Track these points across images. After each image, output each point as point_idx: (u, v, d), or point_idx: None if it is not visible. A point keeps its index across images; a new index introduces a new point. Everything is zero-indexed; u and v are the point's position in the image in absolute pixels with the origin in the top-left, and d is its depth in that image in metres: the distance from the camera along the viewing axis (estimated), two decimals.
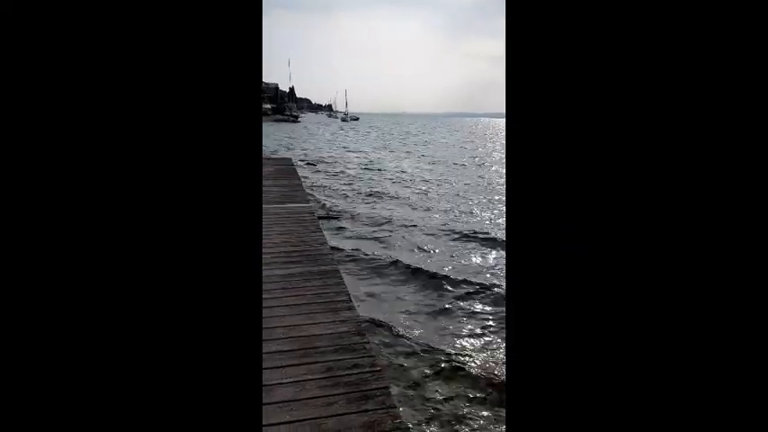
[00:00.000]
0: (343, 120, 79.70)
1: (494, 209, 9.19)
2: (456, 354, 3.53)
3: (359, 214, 8.25)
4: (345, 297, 3.18)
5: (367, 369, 2.28)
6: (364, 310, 4.03)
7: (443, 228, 7.45)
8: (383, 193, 10.61)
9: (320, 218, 6.10)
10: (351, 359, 2.37)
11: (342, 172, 14.24)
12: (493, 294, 4.69)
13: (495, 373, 3.28)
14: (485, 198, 10.48)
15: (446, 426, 2.69)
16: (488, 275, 5.33)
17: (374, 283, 4.98)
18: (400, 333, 3.80)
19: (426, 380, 3.16)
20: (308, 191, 7.92)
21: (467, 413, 2.81)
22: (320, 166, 15.40)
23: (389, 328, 3.87)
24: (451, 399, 2.95)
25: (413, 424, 2.64)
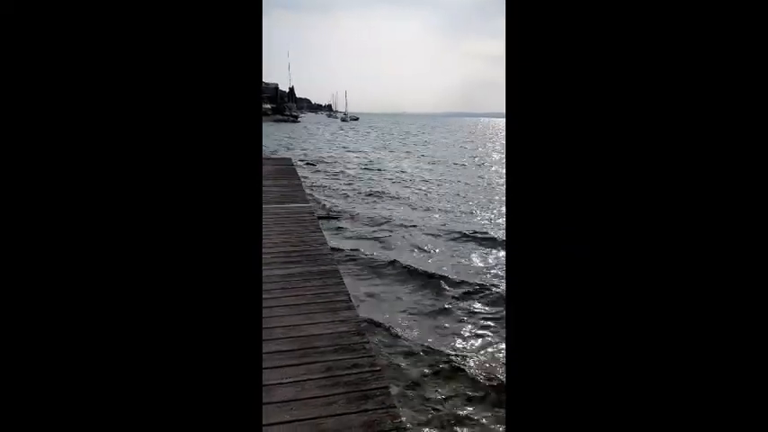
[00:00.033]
0: (343, 120, 79.68)
1: (494, 209, 9.19)
2: (455, 354, 3.53)
3: (358, 214, 8.25)
4: (345, 297, 3.18)
5: (366, 369, 2.28)
6: (364, 311, 4.03)
7: (443, 228, 7.45)
8: (383, 194, 10.61)
9: (320, 218, 6.10)
10: (350, 359, 2.37)
11: (341, 172, 14.24)
12: (492, 294, 4.69)
13: (495, 373, 3.28)
14: (484, 198, 10.49)
15: (446, 426, 2.69)
16: (488, 275, 5.33)
17: (374, 283, 4.98)
18: (399, 333, 3.80)
19: (426, 380, 3.16)
20: (307, 191, 7.93)
21: (466, 413, 2.81)
22: (320, 166, 15.40)
23: (389, 329, 3.87)
24: (451, 399, 2.95)
25: (412, 425, 2.64)
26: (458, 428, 2.68)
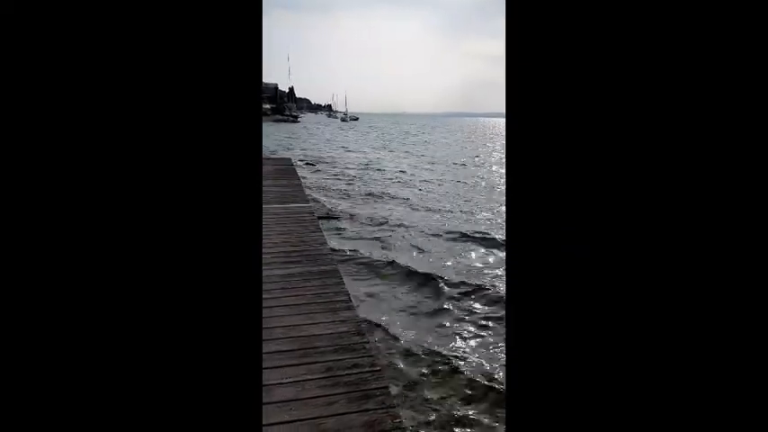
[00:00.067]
0: (343, 120, 79.69)
1: (493, 209, 9.19)
2: (454, 354, 3.53)
3: (358, 214, 8.25)
4: (345, 297, 3.18)
5: (367, 369, 2.28)
6: (363, 311, 4.03)
7: (443, 228, 7.45)
8: (382, 194, 10.61)
9: (320, 218, 6.10)
10: (350, 359, 2.37)
11: (341, 172, 14.24)
12: (492, 295, 4.69)
13: (494, 373, 3.28)
14: (484, 198, 10.49)
15: (446, 427, 2.69)
16: (487, 276, 5.34)
17: (373, 283, 4.98)
18: (399, 334, 3.80)
19: (425, 381, 3.16)
20: (307, 191, 7.93)
21: (466, 414, 2.81)
22: (320, 166, 15.41)
23: (388, 329, 3.87)
24: (451, 400, 2.95)
25: (412, 426, 2.64)
26: (457, 429, 2.68)
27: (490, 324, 4.08)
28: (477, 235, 7.01)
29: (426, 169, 15.99)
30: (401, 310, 4.30)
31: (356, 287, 4.68)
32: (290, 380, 2.16)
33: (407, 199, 10.07)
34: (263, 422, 1.80)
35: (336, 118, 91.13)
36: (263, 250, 3.76)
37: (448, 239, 6.88)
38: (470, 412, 2.82)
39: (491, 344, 3.74)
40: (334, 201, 9.50)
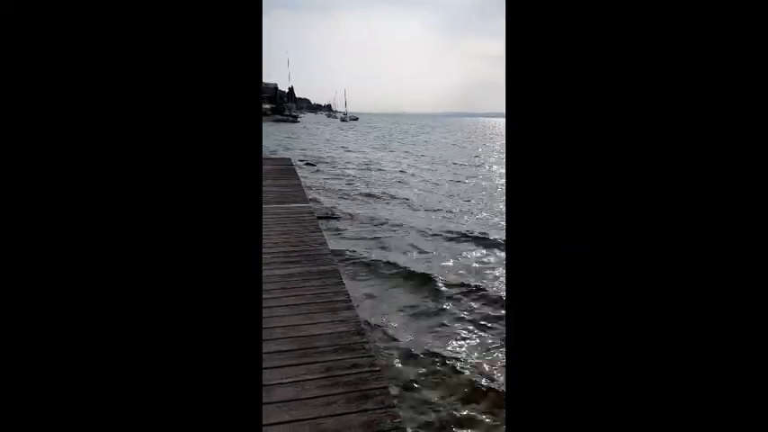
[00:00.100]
0: (343, 120, 79.69)
1: (493, 209, 9.19)
2: (453, 355, 3.53)
3: (357, 215, 8.25)
4: (344, 297, 3.18)
5: (366, 369, 2.28)
6: (361, 312, 4.03)
7: (443, 228, 7.46)
8: (382, 194, 10.61)
9: (319, 218, 6.10)
10: (350, 359, 2.37)
11: (341, 172, 14.24)
12: (492, 295, 4.69)
13: (494, 374, 3.28)
14: (484, 198, 10.49)
15: (446, 428, 2.69)
16: (487, 276, 5.34)
17: (372, 284, 4.98)
18: (397, 335, 3.80)
19: (424, 381, 3.16)
20: (307, 191, 7.93)
21: (465, 415, 2.81)
22: (319, 166, 15.40)
23: (387, 330, 3.87)
24: (450, 401, 2.95)
25: (411, 427, 2.64)
26: (456, 430, 2.68)
27: (490, 324, 4.08)
28: (477, 235, 7.01)
29: (426, 169, 16.00)
30: (400, 311, 4.30)
31: (355, 288, 4.68)
32: (290, 380, 2.16)
33: (407, 199, 10.07)
34: (263, 422, 1.80)
35: (336, 118, 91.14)
36: (263, 250, 3.76)
37: (448, 240, 6.88)
38: (469, 413, 2.82)
39: (490, 344, 3.74)
40: (333, 201, 9.50)
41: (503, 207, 9.05)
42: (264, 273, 3.42)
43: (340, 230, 7.17)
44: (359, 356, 2.39)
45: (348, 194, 10.44)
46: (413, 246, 6.46)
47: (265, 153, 17.05)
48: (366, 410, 1.97)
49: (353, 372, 2.25)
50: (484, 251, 6.35)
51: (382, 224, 7.65)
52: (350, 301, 3.14)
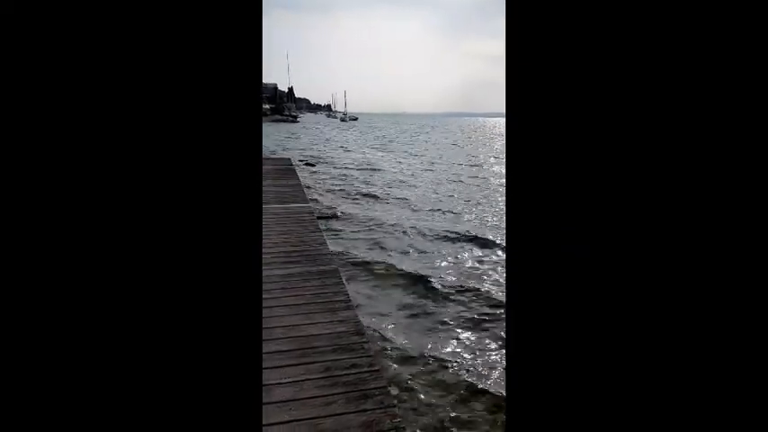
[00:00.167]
0: (342, 120, 79.71)
1: (493, 209, 9.19)
2: (453, 356, 3.53)
3: (357, 215, 8.25)
4: (344, 297, 3.18)
5: (365, 369, 2.28)
6: (360, 313, 4.03)
7: (443, 229, 7.45)
8: (382, 194, 10.61)
9: (319, 218, 6.10)
10: (349, 359, 2.37)
11: (341, 172, 14.24)
12: (490, 296, 4.69)
13: (493, 375, 3.28)
14: (484, 199, 10.49)
15: (446, 429, 2.69)
16: (487, 277, 5.34)
17: (371, 285, 4.98)
18: (396, 336, 3.80)
19: (423, 382, 3.16)
20: (306, 191, 7.92)
21: (465, 416, 2.81)
22: (319, 167, 15.40)
23: (386, 331, 3.87)
24: (449, 402, 2.95)
25: (410, 430, 2.64)
26: (455, 431, 2.68)
27: (489, 326, 4.08)
28: (476, 236, 7.01)
29: (426, 169, 16.00)
30: (399, 312, 4.30)
31: (354, 288, 4.68)
32: (289, 380, 2.16)
33: (407, 199, 10.07)
34: (262, 422, 1.80)
35: (336, 118, 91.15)
36: (263, 250, 3.76)
37: (447, 240, 6.87)
38: (469, 415, 2.82)
39: (490, 345, 3.74)
40: (333, 201, 9.50)
41: (503, 207, 9.05)
42: (264, 273, 3.41)
43: (339, 231, 7.17)
44: (358, 356, 2.40)
45: (348, 194, 10.44)
46: (413, 246, 6.45)
47: (265, 153, 17.05)
48: (365, 410, 1.97)
49: (353, 372, 2.25)
50: (484, 252, 6.34)
51: (381, 224, 7.64)
52: (349, 301, 3.14)
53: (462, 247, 6.54)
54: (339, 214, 8.23)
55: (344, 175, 13.71)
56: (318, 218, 5.99)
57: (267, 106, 62.46)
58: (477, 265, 5.83)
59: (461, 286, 4.97)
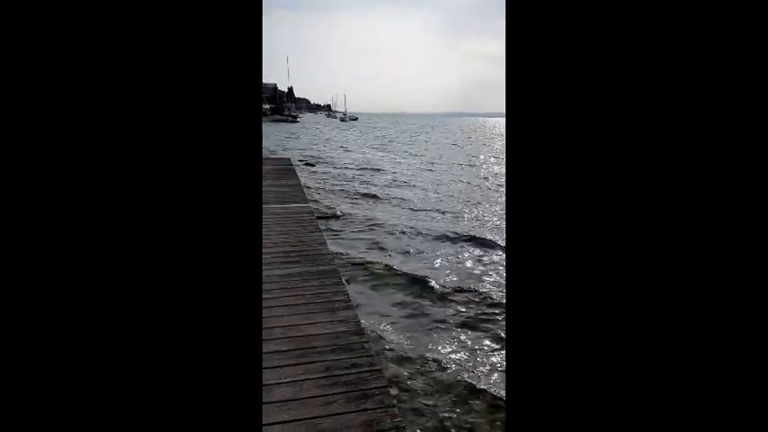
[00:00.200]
0: (342, 120, 79.75)
1: (493, 210, 9.19)
2: (452, 357, 3.53)
3: (357, 215, 8.25)
4: (344, 297, 3.18)
5: (365, 368, 2.28)
6: (358, 313, 4.03)
7: (443, 229, 7.46)
8: (381, 194, 10.61)
9: (318, 218, 6.10)
10: (349, 359, 2.37)
11: (340, 172, 14.24)
12: (490, 297, 4.69)
13: (493, 375, 3.28)
14: (484, 199, 10.49)
15: (446, 430, 2.69)
16: (486, 277, 5.34)
17: (369, 285, 4.98)
18: (395, 337, 3.80)
19: (420, 383, 3.16)
20: (306, 191, 7.92)
21: (464, 417, 2.81)
22: (318, 167, 15.41)
23: (385, 332, 3.87)
24: (448, 403, 2.95)
25: (410, 430, 2.64)
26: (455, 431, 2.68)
27: (488, 326, 4.08)
28: (476, 236, 7.01)
29: (426, 169, 16.00)
30: (398, 312, 4.30)
31: (353, 288, 4.68)
32: (289, 380, 2.16)
33: (407, 199, 10.07)
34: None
35: (336, 118, 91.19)
36: (263, 250, 3.76)
37: (447, 240, 6.88)
38: (468, 416, 2.82)
39: (489, 345, 3.74)
40: (332, 201, 9.50)
41: (502, 207, 9.05)
42: (264, 273, 3.42)
43: (338, 231, 7.17)
44: (358, 356, 2.40)
45: (347, 194, 10.44)
46: (411, 247, 6.46)
47: (265, 153, 17.05)
48: (366, 410, 1.97)
49: (353, 371, 2.25)
50: (483, 252, 6.35)
51: (381, 224, 7.65)
52: (349, 300, 3.14)
53: (462, 248, 6.54)
54: (339, 214, 8.24)
55: (344, 175, 13.71)
56: (318, 218, 5.99)
57: (267, 106, 62.50)
58: (477, 265, 5.83)
59: (461, 286, 4.97)
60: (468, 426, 2.72)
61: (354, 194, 10.49)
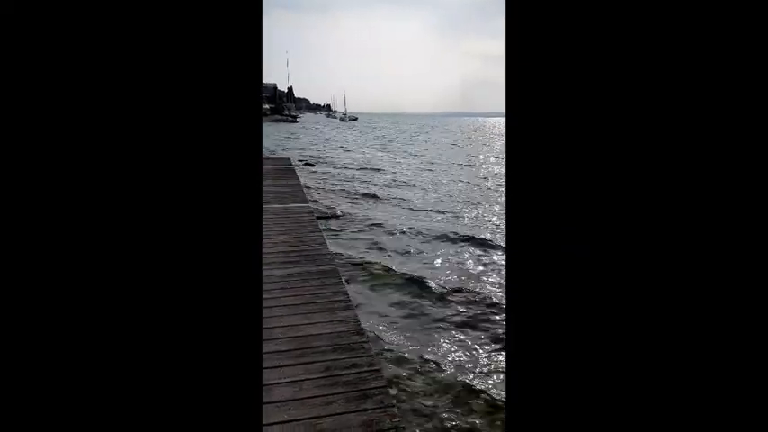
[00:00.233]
0: (342, 120, 79.75)
1: (493, 210, 9.19)
2: (451, 357, 3.53)
3: (356, 215, 8.25)
4: (343, 297, 3.18)
5: (365, 368, 2.28)
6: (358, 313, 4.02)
7: (442, 229, 7.45)
8: (381, 194, 10.61)
9: (318, 218, 6.10)
10: (349, 358, 2.37)
11: (340, 172, 14.24)
12: (489, 297, 4.69)
13: (492, 376, 3.28)
14: (484, 199, 10.49)
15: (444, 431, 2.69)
16: (485, 278, 5.34)
17: (369, 285, 4.97)
18: (393, 337, 3.80)
19: (419, 385, 3.16)
20: (306, 191, 7.92)
21: (463, 418, 2.81)
22: (318, 167, 15.40)
23: (383, 332, 3.87)
24: (448, 404, 2.94)
25: (410, 430, 2.64)
26: None
27: (487, 326, 4.08)
28: (476, 236, 7.01)
29: (426, 169, 16.00)
30: (398, 312, 4.30)
31: (353, 288, 4.67)
32: (289, 379, 2.16)
33: (407, 200, 10.07)
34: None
35: (335, 118, 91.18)
36: (263, 250, 3.75)
37: (447, 240, 6.87)
38: (468, 417, 2.82)
39: (488, 345, 3.74)
40: (332, 201, 9.50)
41: (502, 207, 9.05)
42: (264, 273, 3.41)
43: (338, 231, 7.17)
44: (358, 356, 2.40)
45: (347, 194, 10.44)
46: (412, 247, 6.45)
47: (264, 153, 17.04)
48: (365, 410, 1.97)
49: (352, 371, 2.25)
50: (483, 252, 6.34)
51: (381, 224, 7.64)
52: (349, 300, 3.14)
53: (462, 248, 6.54)
54: (339, 214, 8.23)
55: (344, 175, 13.71)
56: (318, 218, 5.99)
57: (267, 106, 62.51)
58: (477, 265, 5.83)
59: (460, 286, 4.97)
60: (468, 426, 2.72)
61: (354, 194, 10.49)
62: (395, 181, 12.97)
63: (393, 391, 2.77)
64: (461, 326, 4.07)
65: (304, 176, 11.42)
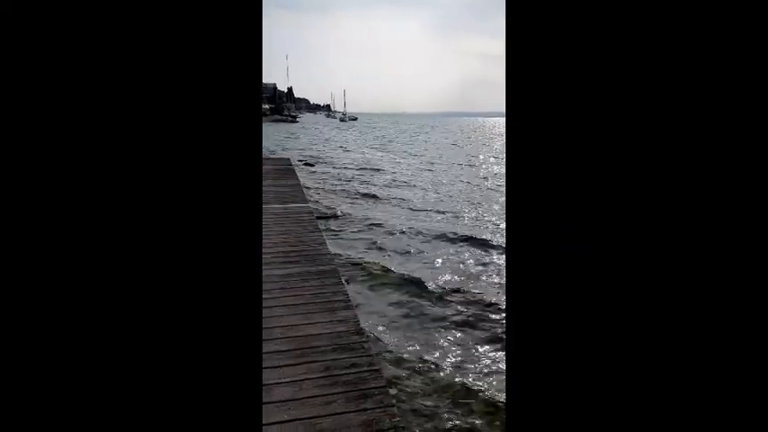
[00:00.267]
0: (342, 120, 79.75)
1: (493, 210, 9.19)
2: (450, 359, 3.53)
3: (356, 215, 8.25)
4: (343, 297, 3.18)
5: (365, 368, 2.28)
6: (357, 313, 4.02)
7: (442, 229, 7.45)
8: (381, 194, 10.61)
9: (318, 218, 6.10)
10: (349, 358, 2.37)
11: (340, 172, 14.24)
12: (489, 297, 4.69)
13: (492, 376, 3.28)
14: (484, 199, 10.49)
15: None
16: (485, 278, 5.34)
17: (369, 285, 4.97)
18: (394, 338, 3.79)
19: (418, 386, 3.16)
20: (305, 191, 7.92)
21: (463, 418, 2.81)
22: (318, 167, 15.40)
23: (382, 333, 3.87)
24: (447, 405, 2.94)
25: (409, 430, 2.64)
26: None
27: (487, 326, 4.08)
28: (476, 236, 7.01)
29: (425, 169, 16.00)
30: (397, 312, 4.30)
31: (353, 289, 4.67)
32: (289, 379, 2.16)
33: (406, 199, 10.07)
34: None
35: (335, 118, 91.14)
36: (263, 250, 3.75)
37: (447, 240, 6.87)
38: (467, 417, 2.82)
39: (488, 345, 3.74)
40: (332, 201, 9.50)
41: (502, 207, 9.05)
42: (264, 273, 3.41)
43: (337, 231, 7.16)
44: (358, 356, 2.40)
45: (347, 194, 10.44)
46: (411, 247, 6.45)
47: (265, 153, 17.03)
48: (365, 410, 1.97)
49: (352, 371, 2.25)
50: (483, 252, 6.34)
51: (381, 224, 7.64)
52: (349, 300, 3.14)
53: (462, 248, 6.54)
54: (338, 214, 8.23)
55: (344, 175, 13.70)
56: (318, 218, 5.99)
57: (267, 106, 62.52)
58: (477, 265, 5.83)
59: (460, 287, 4.97)
60: (468, 426, 2.72)
61: (354, 194, 10.49)
62: (394, 181, 12.97)
63: (393, 391, 2.77)
64: (461, 326, 4.07)
65: (304, 176, 11.42)
